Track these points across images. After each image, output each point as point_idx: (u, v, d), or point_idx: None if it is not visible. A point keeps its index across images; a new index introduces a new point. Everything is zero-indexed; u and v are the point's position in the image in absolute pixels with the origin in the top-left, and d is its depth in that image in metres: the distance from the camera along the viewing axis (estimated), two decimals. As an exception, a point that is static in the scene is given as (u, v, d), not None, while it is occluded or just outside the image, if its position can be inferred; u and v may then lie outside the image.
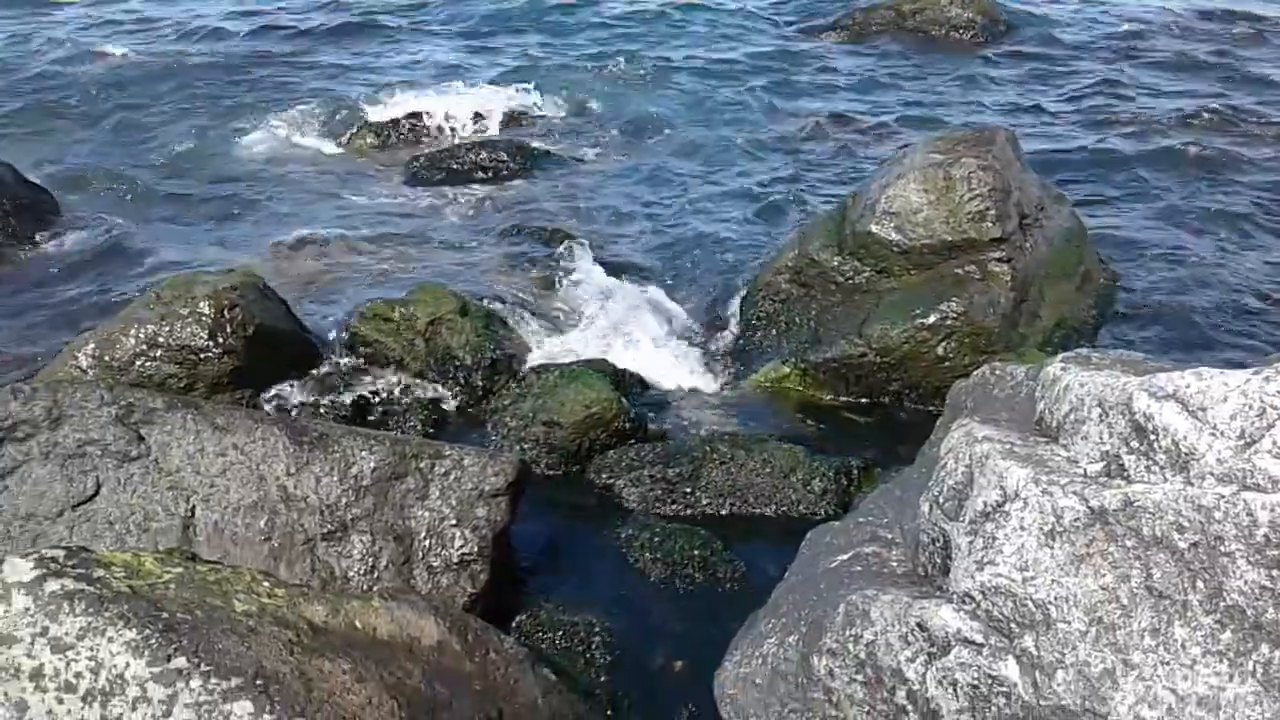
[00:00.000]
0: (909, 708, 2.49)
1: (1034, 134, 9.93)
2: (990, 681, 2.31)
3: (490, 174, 9.52)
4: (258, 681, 2.54)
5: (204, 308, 5.07)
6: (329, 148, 10.33)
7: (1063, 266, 6.36)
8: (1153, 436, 2.20)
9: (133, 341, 5.02)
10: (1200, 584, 2.07)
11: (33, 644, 2.49)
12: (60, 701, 2.45)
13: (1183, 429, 2.14)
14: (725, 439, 5.23)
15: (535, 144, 10.08)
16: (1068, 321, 6.17)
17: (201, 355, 5.02)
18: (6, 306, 6.90)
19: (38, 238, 8.00)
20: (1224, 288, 7.03)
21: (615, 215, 8.63)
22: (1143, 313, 6.72)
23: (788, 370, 6.06)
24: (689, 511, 4.94)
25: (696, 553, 4.56)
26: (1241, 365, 2.32)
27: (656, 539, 4.63)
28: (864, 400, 5.91)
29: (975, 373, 3.39)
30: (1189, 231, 7.89)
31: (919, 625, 2.44)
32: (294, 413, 5.32)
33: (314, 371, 5.73)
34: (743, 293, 6.81)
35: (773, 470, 5.02)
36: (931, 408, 5.31)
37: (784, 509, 4.92)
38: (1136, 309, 6.76)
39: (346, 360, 5.95)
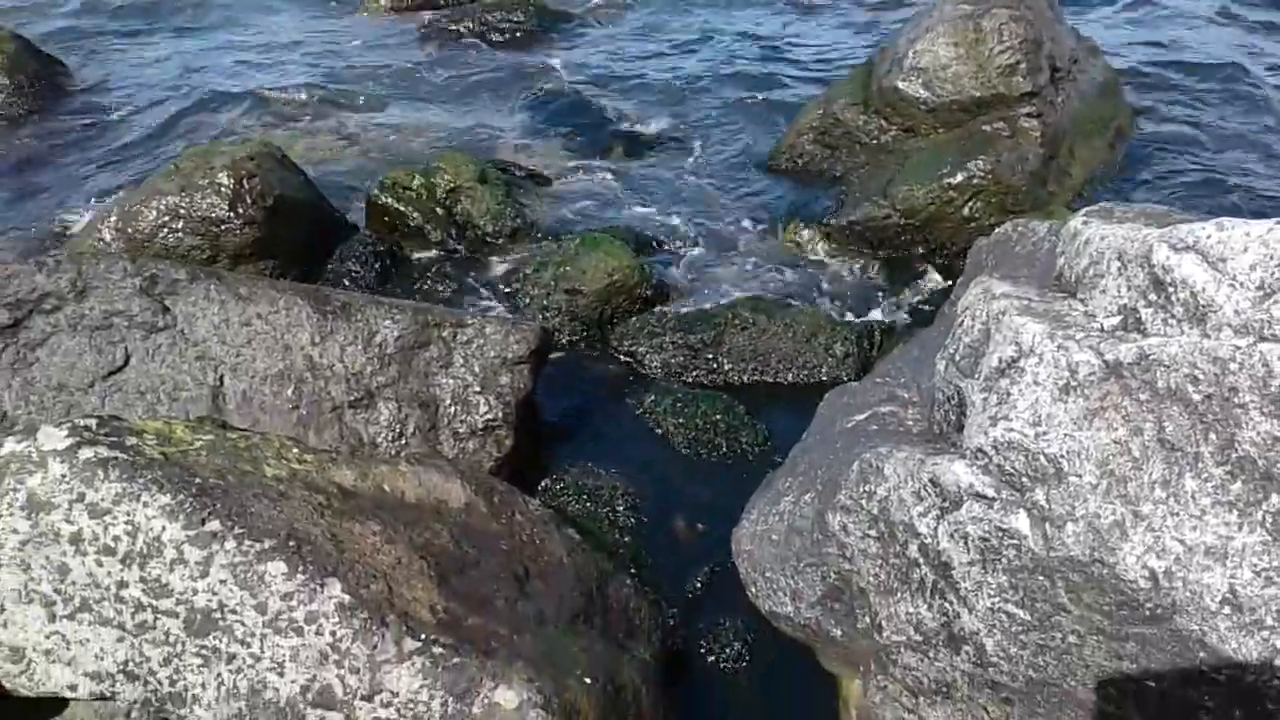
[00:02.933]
0: (920, 560, 2.54)
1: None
2: (1001, 534, 2.34)
3: (508, 35, 9.31)
4: (290, 543, 2.61)
5: (223, 178, 5.06)
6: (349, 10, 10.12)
7: (1095, 122, 6.20)
8: (1171, 289, 2.17)
9: (154, 214, 5.03)
10: (1212, 436, 2.07)
11: (70, 509, 2.57)
12: (100, 564, 2.54)
13: (1201, 280, 2.10)
14: (747, 304, 5.22)
15: (552, 3, 9.82)
16: (1098, 179, 6.04)
17: (223, 226, 5.03)
18: (25, 179, 6.91)
19: (54, 109, 7.95)
20: (1262, 144, 6.83)
21: (635, 77, 8.45)
22: (1177, 169, 6.55)
23: (811, 233, 5.99)
24: (711, 377, 4.97)
25: (718, 417, 4.61)
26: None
27: (678, 404, 4.68)
28: (888, 263, 5.85)
29: (997, 230, 3.34)
30: (1227, 86, 7.63)
31: (932, 481, 2.47)
32: (316, 282, 5.34)
33: (335, 241, 5.73)
34: (766, 154, 6.70)
35: (795, 335, 5.02)
36: (956, 269, 5.26)
37: (805, 373, 4.94)
38: (1171, 165, 6.58)
39: (367, 230, 5.94)
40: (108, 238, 5.05)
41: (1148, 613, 2.16)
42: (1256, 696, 2.07)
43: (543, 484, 4.22)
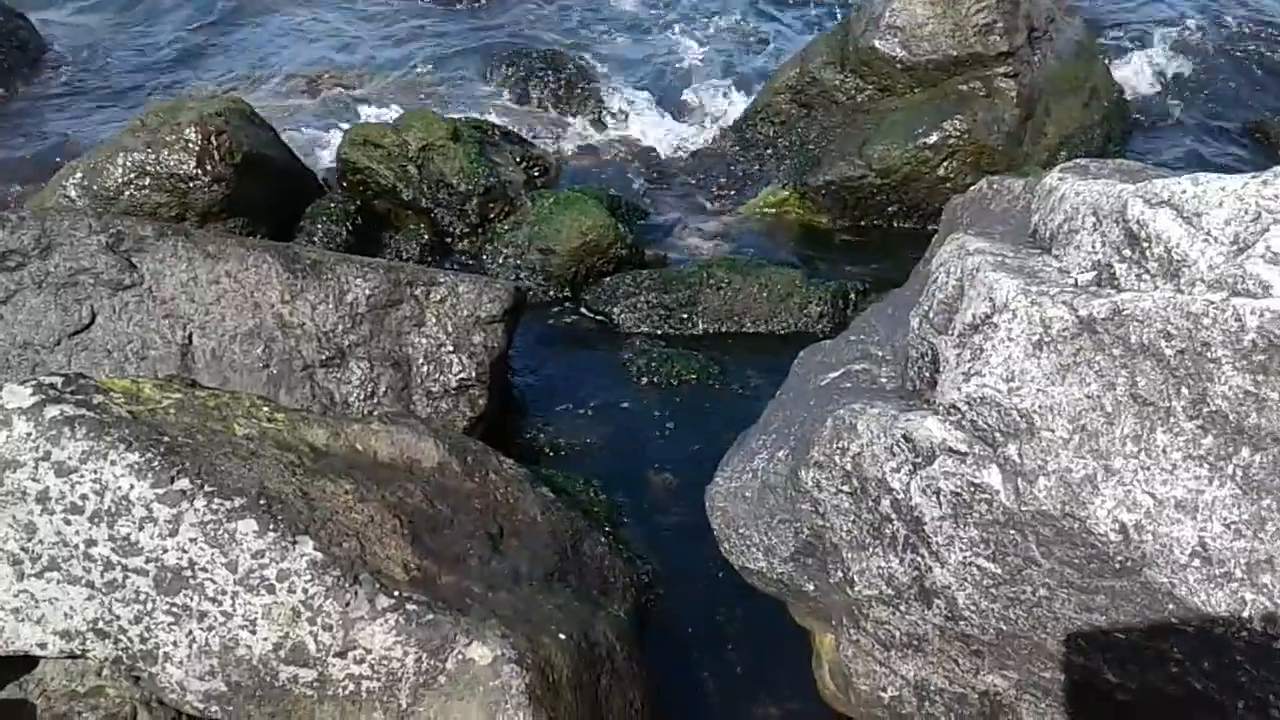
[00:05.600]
0: (893, 515, 2.55)
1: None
2: (973, 489, 2.35)
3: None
4: (261, 501, 2.59)
5: (190, 134, 4.96)
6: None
7: (1071, 82, 6.19)
8: (1145, 244, 2.17)
9: (120, 170, 4.93)
10: (1185, 390, 2.08)
11: (36, 468, 2.53)
12: (68, 523, 2.51)
13: (1175, 235, 2.10)
14: (722, 264, 5.21)
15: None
16: (1074, 139, 6.04)
17: (190, 184, 4.94)
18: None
19: (18, 66, 7.78)
20: (1239, 101, 6.86)
21: (610, 33, 8.36)
22: (1152, 129, 6.57)
23: (786, 194, 5.98)
24: (686, 336, 4.96)
25: (693, 376, 4.61)
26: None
27: (653, 363, 4.67)
28: (863, 223, 5.85)
29: (972, 187, 3.34)
30: (1203, 46, 7.64)
31: (905, 437, 2.47)
32: (287, 241, 5.27)
33: (306, 199, 5.65)
34: (742, 115, 6.65)
35: (770, 294, 5.02)
36: (931, 230, 5.26)
37: (781, 332, 4.94)
38: (1146, 126, 6.60)
39: (338, 188, 5.86)
40: (73, 194, 4.95)
41: (1118, 566, 2.17)
42: (1225, 648, 2.09)
43: (517, 443, 4.22)
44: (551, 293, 5.22)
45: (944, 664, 2.65)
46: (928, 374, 2.62)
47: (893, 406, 2.60)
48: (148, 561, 2.49)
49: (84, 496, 2.52)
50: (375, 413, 3.75)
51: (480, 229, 5.65)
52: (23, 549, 2.51)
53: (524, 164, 6.24)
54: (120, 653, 2.47)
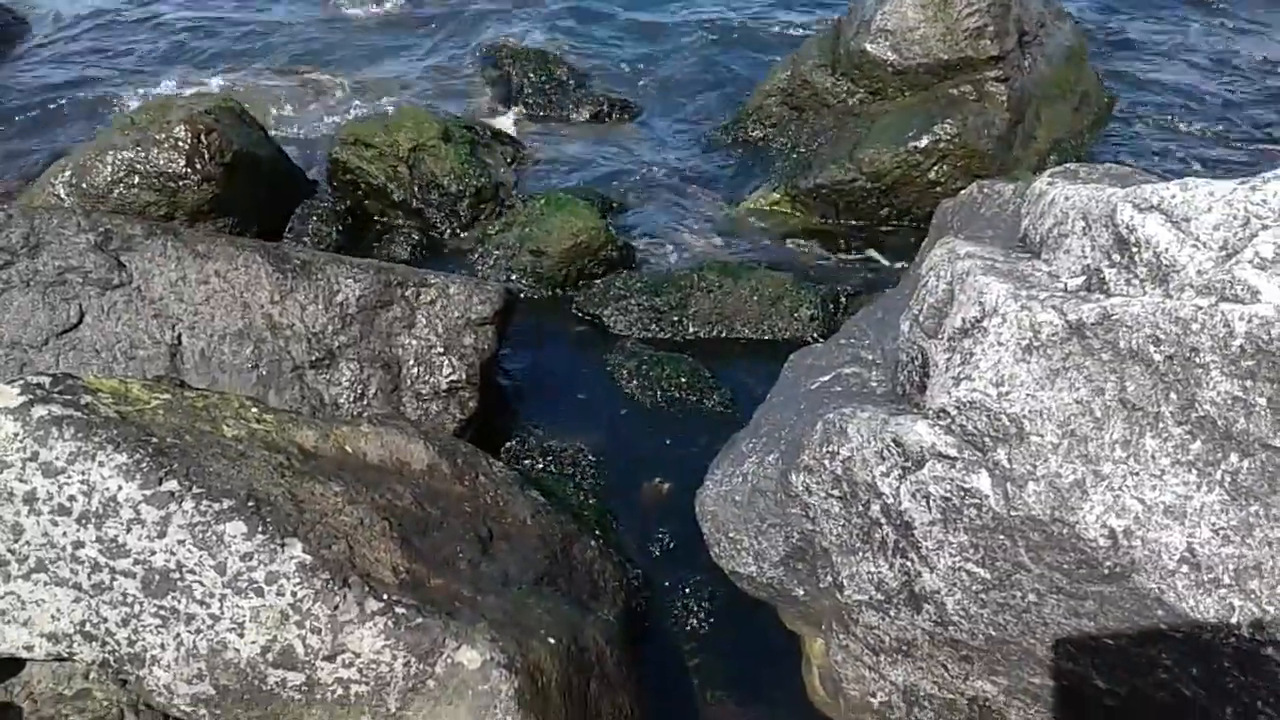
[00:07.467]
0: (882, 520, 2.55)
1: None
2: (962, 494, 2.35)
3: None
4: (250, 503, 2.58)
5: (180, 133, 4.94)
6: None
7: (1061, 86, 6.20)
8: (1135, 249, 2.17)
9: (109, 169, 4.91)
10: (1173, 396, 2.08)
11: (23, 468, 2.51)
12: (55, 524, 2.49)
13: (1165, 240, 2.11)
14: (713, 267, 5.20)
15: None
16: (1064, 144, 6.06)
17: (180, 182, 4.92)
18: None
19: (5, 60, 7.74)
20: (1228, 105, 6.88)
21: (603, 38, 8.36)
22: (1143, 132, 6.59)
23: (777, 196, 5.98)
24: (676, 339, 4.95)
25: (683, 379, 4.60)
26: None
27: (644, 366, 4.66)
28: (854, 226, 5.85)
29: (962, 191, 3.34)
30: (1193, 48, 7.67)
31: (895, 441, 2.47)
32: (277, 241, 5.25)
33: (297, 199, 5.64)
34: (733, 117, 6.66)
35: (760, 298, 5.01)
36: (922, 233, 5.27)
37: (771, 336, 4.94)
38: (1137, 128, 6.62)
39: (328, 188, 5.85)
40: (62, 193, 4.93)
41: (1106, 571, 2.18)
42: (1214, 654, 2.10)
43: (507, 446, 4.21)
44: (542, 294, 5.21)
45: (933, 669, 2.65)
46: (918, 378, 2.62)
47: (883, 410, 2.60)
48: (135, 563, 2.47)
49: (71, 498, 2.50)
50: (365, 414, 3.74)
51: (472, 230, 5.64)
52: (9, 550, 2.49)
53: (515, 164, 6.23)
54: (108, 655, 2.46)
